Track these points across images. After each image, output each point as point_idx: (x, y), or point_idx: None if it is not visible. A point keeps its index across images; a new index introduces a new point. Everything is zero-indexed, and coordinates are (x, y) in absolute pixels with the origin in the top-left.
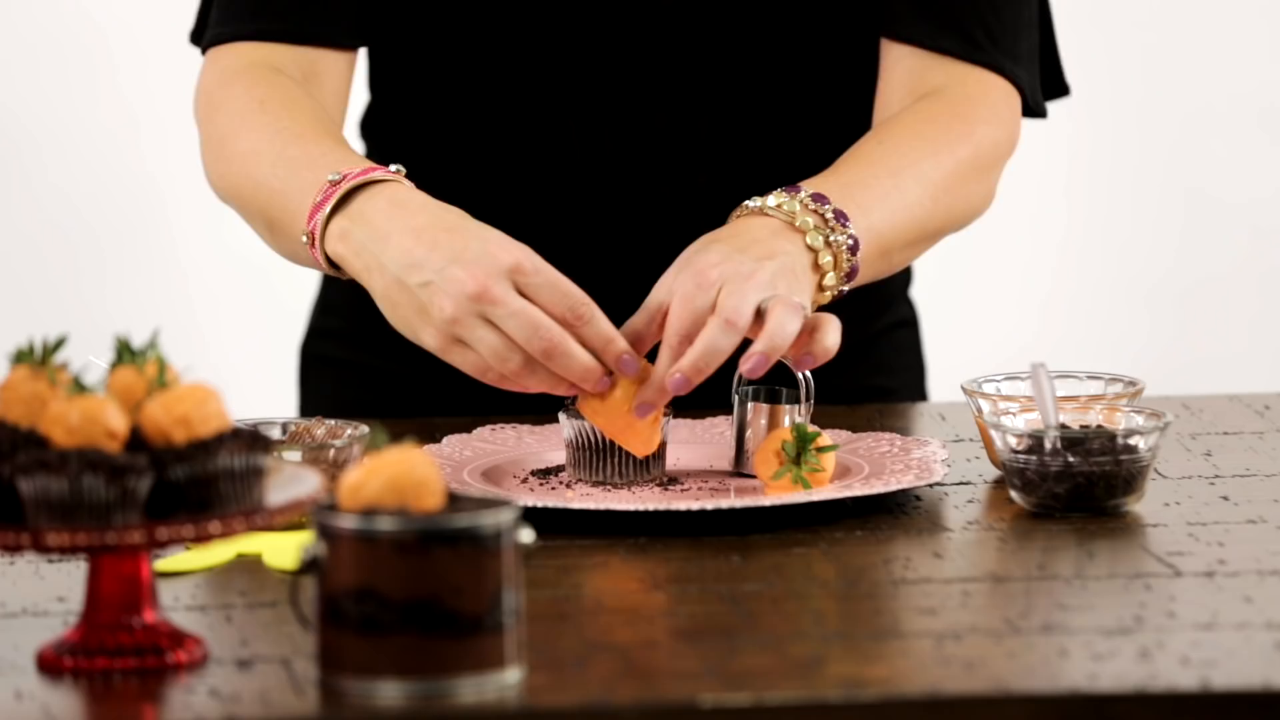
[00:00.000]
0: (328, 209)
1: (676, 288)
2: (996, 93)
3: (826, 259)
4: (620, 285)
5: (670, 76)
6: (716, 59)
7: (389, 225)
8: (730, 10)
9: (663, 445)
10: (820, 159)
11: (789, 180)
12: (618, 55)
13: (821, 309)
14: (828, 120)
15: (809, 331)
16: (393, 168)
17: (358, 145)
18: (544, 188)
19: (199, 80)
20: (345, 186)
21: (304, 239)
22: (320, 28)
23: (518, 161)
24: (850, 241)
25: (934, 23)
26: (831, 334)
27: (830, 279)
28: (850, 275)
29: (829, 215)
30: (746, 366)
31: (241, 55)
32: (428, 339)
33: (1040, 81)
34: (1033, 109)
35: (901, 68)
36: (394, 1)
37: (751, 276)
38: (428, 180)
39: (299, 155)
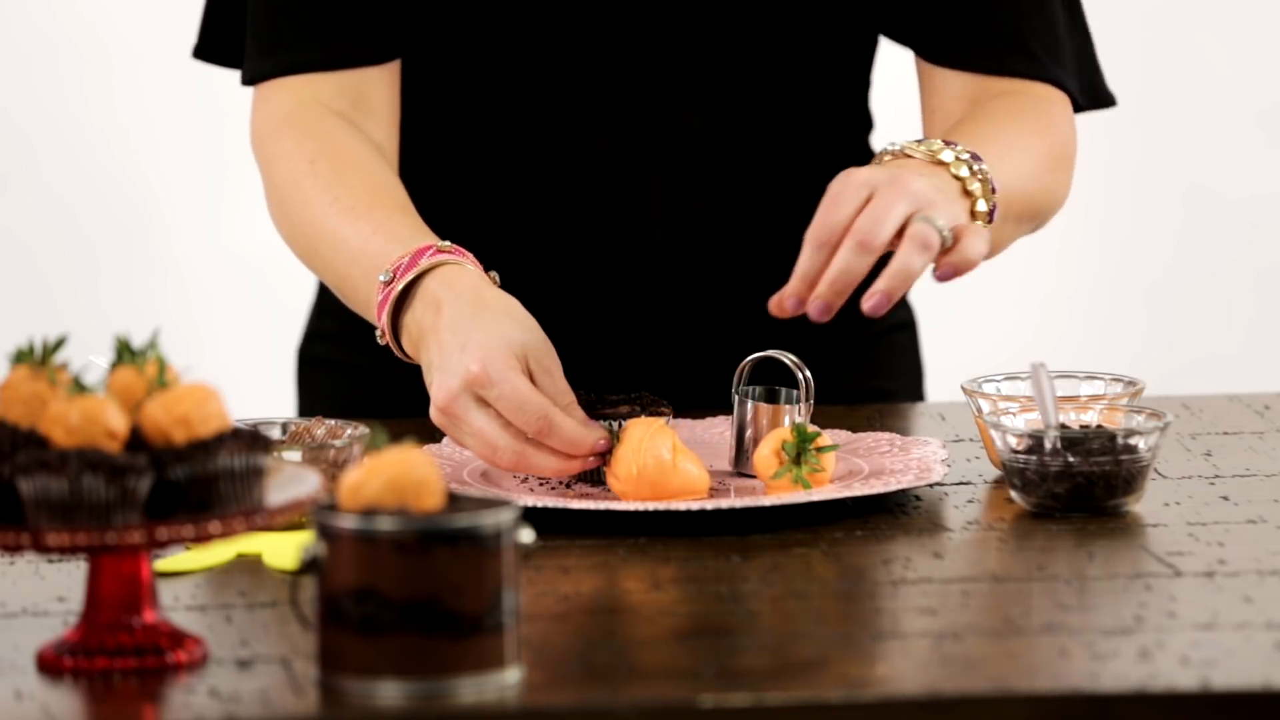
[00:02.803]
0: (388, 314)
1: (827, 192)
2: (1057, 97)
3: (974, 186)
4: (613, 292)
5: (665, 73)
6: (713, 55)
7: (429, 327)
8: (726, 10)
9: None
10: (815, 158)
11: (783, 179)
12: (612, 51)
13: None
14: (822, 120)
15: (954, 241)
16: (440, 244)
17: None
18: (538, 187)
19: (251, 119)
20: (398, 287)
21: (379, 340)
22: (358, 49)
23: (510, 162)
24: (989, 175)
25: (996, 46)
26: (977, 243)
27: (981, 205)
28: (992, 213)
29: (965, 155)
30: (868, 305)
31: (288, 94)
32: None
33: (1090, 91)
34: (1080, 105)
35: (958, 83)
36: (418, 6)
37: (902, 182)
38: (416, 190)
39: (351, 237)
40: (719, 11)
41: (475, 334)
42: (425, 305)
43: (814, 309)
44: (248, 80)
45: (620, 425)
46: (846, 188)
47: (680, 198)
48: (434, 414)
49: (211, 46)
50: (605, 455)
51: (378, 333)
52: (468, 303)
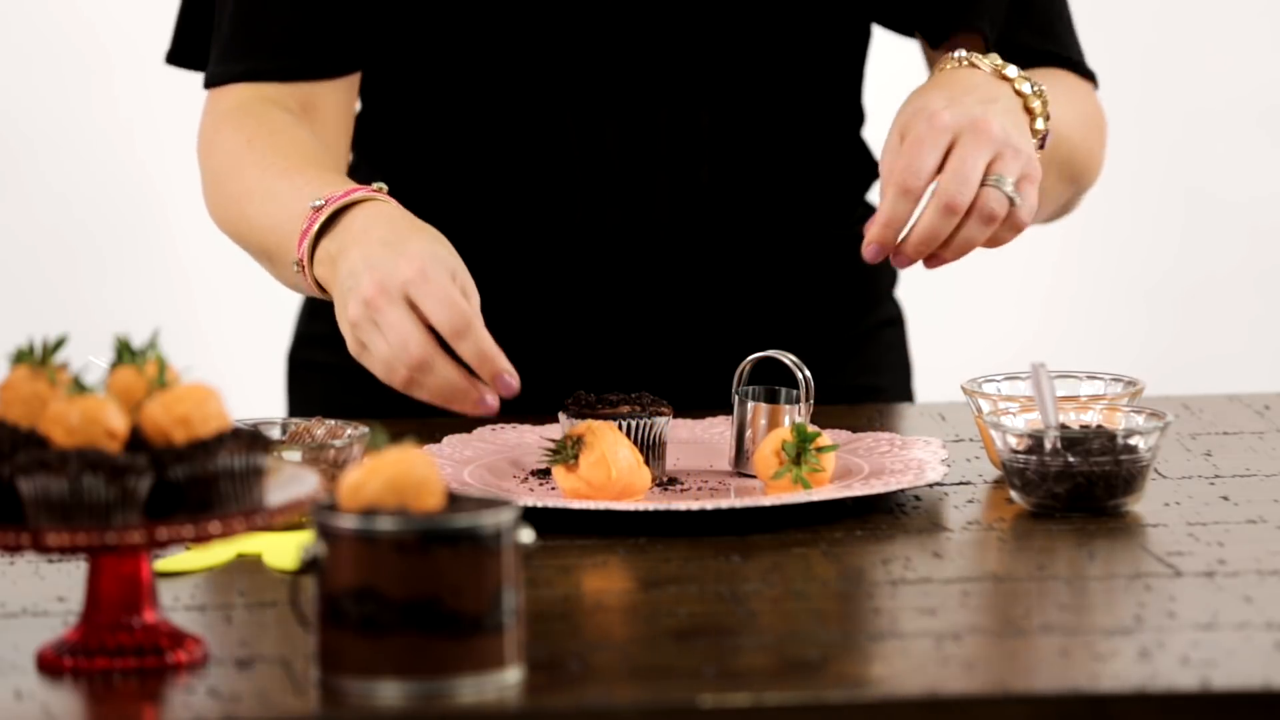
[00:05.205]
0: (313, 234)
1: (909, 130)
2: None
3: (1036, 103)
4: (623, 285)
5: (671, 71)
6: (718, 53)
7: (352, 241)
8: (732, 7)
9: (663, 445)
10: (810, 153)
11: (780, 174)
12: (617, 50)
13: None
14: (818, 114)
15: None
16: (374, 186)
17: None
18: (543, 187)
19: (200, 122)
20: (328, 211)
21: (295, 267)
22: (312, 63)
23: (515, 161)
24: (1045, 94)
25: (1021, 31)
26: (1029, 205)
27: (1040, 123)
28: (1045, 140)
29: (1025, 73)
30: (928, 266)
31: (236, 96)
32: (345, 339)
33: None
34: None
35: None
36: (388, 17)
37: (985, 122)
38: (420, 188)
39: (285, 189)
40: (725, 9)
41: (411, 244)
42: (348, 231)
43: (898, 264)
44: (206, 84)
45: (572, 422)
46: (931, 131)
47: (685, 195)
48: (353, 307)
49: (183, 52)
50: (559, 432)
51: (294, 262)
52: (400, 222)
